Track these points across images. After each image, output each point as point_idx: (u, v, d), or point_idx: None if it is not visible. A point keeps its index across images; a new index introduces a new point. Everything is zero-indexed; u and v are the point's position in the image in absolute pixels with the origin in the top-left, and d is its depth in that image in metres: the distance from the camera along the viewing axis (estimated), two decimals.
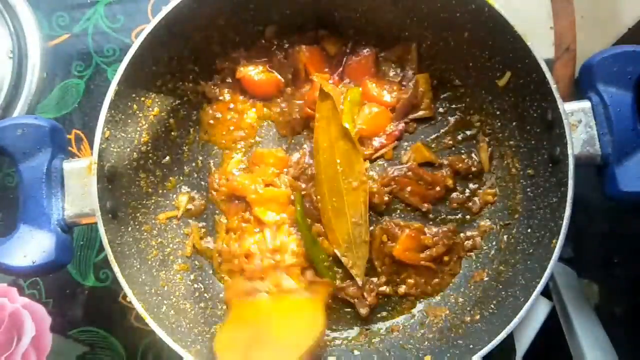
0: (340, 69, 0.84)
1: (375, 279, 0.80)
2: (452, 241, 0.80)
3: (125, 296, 0.72)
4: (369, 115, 0.82)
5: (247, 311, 0.75)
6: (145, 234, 0.78)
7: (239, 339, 0.70)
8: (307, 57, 0.82)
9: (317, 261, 0.79)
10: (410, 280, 0.80)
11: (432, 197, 0.81)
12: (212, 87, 0.84)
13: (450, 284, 0.80)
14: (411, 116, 0.82)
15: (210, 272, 0.83)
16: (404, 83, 0.83)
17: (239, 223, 0.82)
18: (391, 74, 0.84)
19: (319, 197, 0.79)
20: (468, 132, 0.82)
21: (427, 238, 0.79)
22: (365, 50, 0.83)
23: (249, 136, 0.85)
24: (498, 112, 0.79)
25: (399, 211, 0.82)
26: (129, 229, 0.75)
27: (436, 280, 0.80)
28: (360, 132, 0.81)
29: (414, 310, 0.80)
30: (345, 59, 0.84)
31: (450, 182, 0.81)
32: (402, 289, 0.80)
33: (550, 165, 0.70)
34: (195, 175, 0.85)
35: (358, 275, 0.78)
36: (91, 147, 0.73)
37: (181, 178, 0.84)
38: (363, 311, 0.79)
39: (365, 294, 0.79)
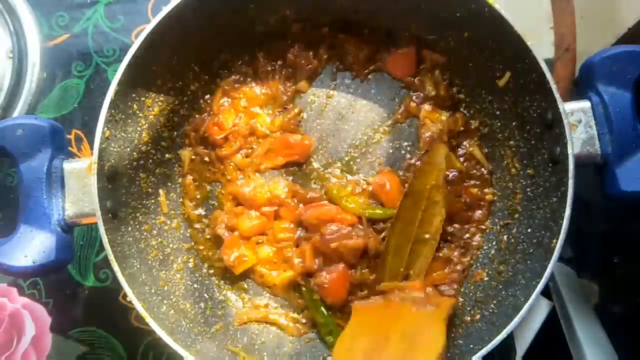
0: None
1: None
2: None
3: (125, 296, 0.72)
4: None
5: (368, 319, 0.73)
6: (145, 234, 0.78)
7: (357, 349, 0.69)
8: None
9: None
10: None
11: (463, 220, 0.80)
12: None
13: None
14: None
15: (211, 272, 0.83)
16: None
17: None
18: None
19: (389, 232, 0.77)
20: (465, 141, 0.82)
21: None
22: (405, 48, 0.83)
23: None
24: (498, 112, 0.79)
25: None
26: (129, 229, 0.75)
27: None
28: None
29: None
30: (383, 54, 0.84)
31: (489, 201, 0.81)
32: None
33: (550, 165, 0.70)
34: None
35: None
36: (91, 147, 0.73)
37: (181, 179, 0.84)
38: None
39: None
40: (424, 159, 0.79)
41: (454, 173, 0.80)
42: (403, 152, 0.83)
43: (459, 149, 0.82)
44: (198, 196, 0.84)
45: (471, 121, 0.82)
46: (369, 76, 0.85)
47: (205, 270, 0.83)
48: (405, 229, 0.77)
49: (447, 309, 0.71)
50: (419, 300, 0.74)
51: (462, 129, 0.82)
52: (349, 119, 0.84)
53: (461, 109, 0.83)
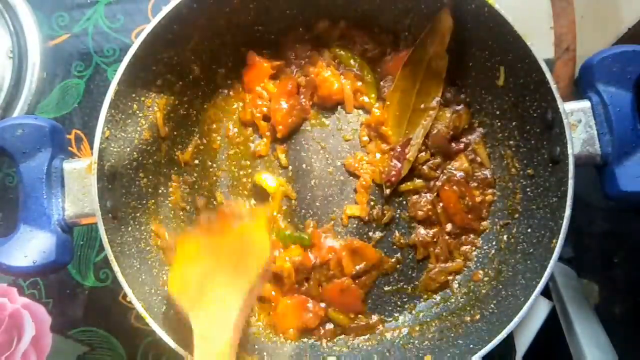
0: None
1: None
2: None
3: (125, 296, 0.72)
4: None
5: (192, 247, 0.74)
6: (145, 234, 0.78)
7: (190, 276, 0.70)
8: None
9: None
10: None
11: (463, 223, 0.80)
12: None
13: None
14: None
15: None
16: None
17: None
18: None
19: (389, 101, 0.81)
20: (470, 136, 0.82)
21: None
22: (404, 50, 0.82)
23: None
24: (498, 112, 0.79)
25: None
26: (129, 229, 0.75)
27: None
28: None
29: (415, 310, 0.81)
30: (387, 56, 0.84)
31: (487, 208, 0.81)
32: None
33: (550, 165, 0.70)
34: (195, 174, 0.85)
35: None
36: (91, 147, 0.73)
37: (181, 178, 0.84)
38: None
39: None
40: (427, 28, 0.77)
41: (461, 174, 0.80)
42: None
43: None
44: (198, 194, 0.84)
45: (473, 120, 0.82)
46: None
47: None
48: (403, 99, 0.80)
49: (265, 216, 0.76)
50: (237, 215, 0.76)
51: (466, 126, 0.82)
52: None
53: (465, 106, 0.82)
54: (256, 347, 0.79)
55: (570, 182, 0.65)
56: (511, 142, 0.78)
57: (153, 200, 0.81)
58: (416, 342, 0.77)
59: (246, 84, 0.84)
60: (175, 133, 0.83)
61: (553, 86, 0.66)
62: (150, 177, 0.80)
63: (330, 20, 0.83)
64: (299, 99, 0.83)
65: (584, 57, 0.71)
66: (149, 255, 0.77)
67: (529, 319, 0.78)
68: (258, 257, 0.71)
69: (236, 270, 0.69)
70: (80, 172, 0.70)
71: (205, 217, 0.78)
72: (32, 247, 0.68)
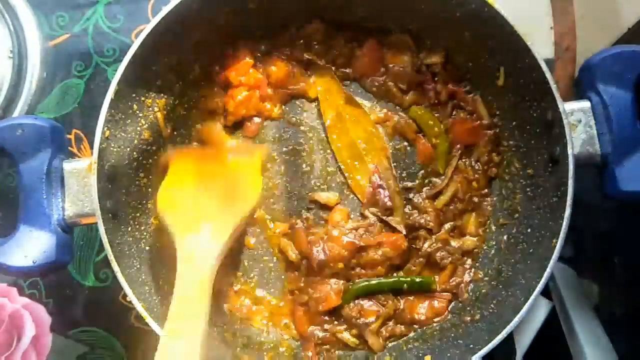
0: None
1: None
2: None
3: (125, 296, 0.72)
4: None
5: (185, 168, 0.74)
6: (145, 234, 0.78)
7: (180, 196, 0.71)
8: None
9: None
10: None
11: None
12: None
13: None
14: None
15: None
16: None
17: None
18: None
19: (343, 167, 0.83)
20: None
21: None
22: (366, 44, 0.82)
23: None
24: (498, 112, 0.79)
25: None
26: (129, 229, 0.75)
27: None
28: None
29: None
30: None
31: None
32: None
33: (550, 165, 0.70)
34: None
35: (399, 222, 0.79)
36: (91, 147, 0.73)
37: None
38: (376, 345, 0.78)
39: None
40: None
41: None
42: None
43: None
44: None
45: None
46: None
47: None
48: (352, 153, 0.82)
49: (260, 156, 0.78)
50: (233, 149, 0.79)
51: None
52: None
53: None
54: (256, 346, 0.79)
55: (570, 182, 0.65)
56: (511, 142, 0.78)
57: (153, 200, 0.81)
58: (416, 342, 0.77)
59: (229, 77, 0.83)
60: (175, 133, 0.83)
61: (553, 86, 0.66)
62: (150, 177, 0.80)
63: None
64: (260, 93, 0.83)
65: (584, 57, 0.71)
66: (149, 255, 0.77)
67: (529, 319, 0.78)
68: (248, 197, 0.72)
69: (226, 204, 0.70)
70: (80, 172, 0.70)
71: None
72: (32, 247, 0.68)
